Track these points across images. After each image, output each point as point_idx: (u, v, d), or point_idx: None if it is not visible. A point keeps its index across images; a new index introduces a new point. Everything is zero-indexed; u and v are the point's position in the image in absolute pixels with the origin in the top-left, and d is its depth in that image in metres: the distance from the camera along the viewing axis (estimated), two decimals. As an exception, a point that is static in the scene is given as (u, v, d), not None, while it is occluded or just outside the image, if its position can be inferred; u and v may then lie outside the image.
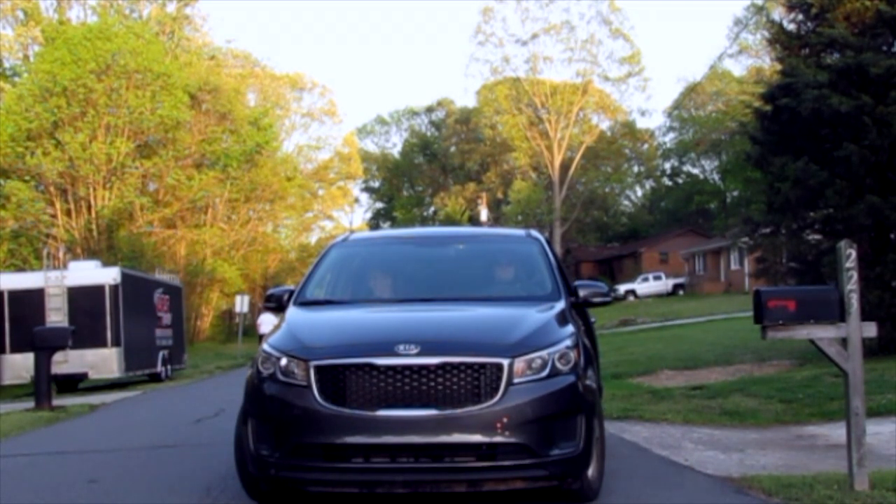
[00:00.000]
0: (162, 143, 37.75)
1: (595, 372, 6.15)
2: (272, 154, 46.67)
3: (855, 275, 5.79)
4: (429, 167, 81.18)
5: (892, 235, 15.55)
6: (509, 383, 5.23)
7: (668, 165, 73.24)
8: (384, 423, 5.18)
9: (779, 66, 17.91)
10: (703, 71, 66.95)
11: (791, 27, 17.40)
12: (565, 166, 63.18)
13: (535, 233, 7.52)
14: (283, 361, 5.49)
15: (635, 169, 72.74)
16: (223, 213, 45.47)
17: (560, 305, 6.17)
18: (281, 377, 5.47)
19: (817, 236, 16.32)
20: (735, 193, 60.03)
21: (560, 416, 5.34)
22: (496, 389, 5.21)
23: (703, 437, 8.88)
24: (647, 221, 72.06)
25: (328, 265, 7.11)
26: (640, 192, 76.92)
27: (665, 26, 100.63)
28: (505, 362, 5.26)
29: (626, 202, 76.63)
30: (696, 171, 71.62)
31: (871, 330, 5.92)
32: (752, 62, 57.41)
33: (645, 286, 55.17)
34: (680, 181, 72.04)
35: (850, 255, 5.80)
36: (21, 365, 19.47)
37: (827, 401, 10.46)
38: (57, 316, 20.14)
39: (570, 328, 5.81)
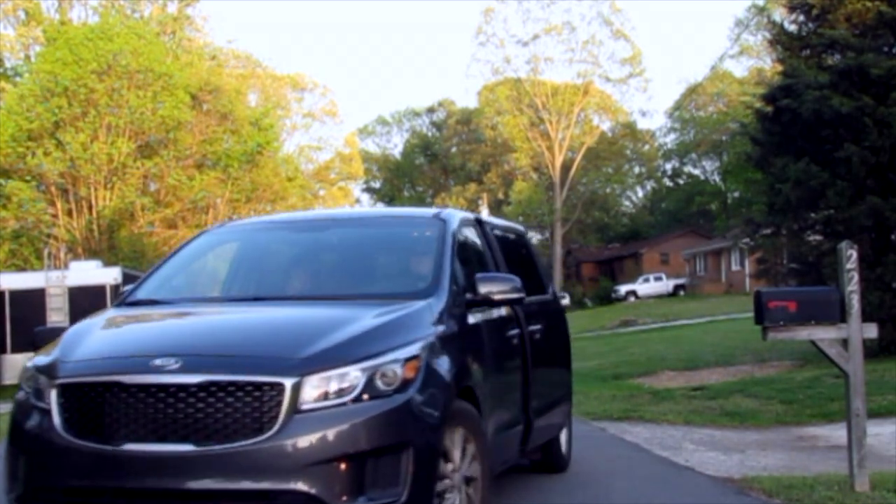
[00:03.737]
0: (163, 144, 37.76)
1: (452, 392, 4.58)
2: (273, 154, 46.62)
3: (856, 276, 5.80)
4: (430, 168, 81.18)
5: (893, 236, 15.56)
6: (294, 409, 4.03)
7: (668, 166, 73.19)
8: (130, 461, 4.06)
9: (780, 67, 17.94)
10: (704, 72, 66.65)
11: (792, 28, 17.42)
12: (566, 167, 63.16)
13: (446, 213, 5.92)
14: (40, 380, 4.46)
15: (636, 170, 72.67)
16: (224, 213, 45.31)
17: (420, 304, 4.80)
18: (34, 400, 4.43)
19: (818, 237, 16.33)
20: (736, 194, 60.00)
21: (372, 454, 4.09)
22: (275, 418, 4.01)
23: (704, 438, 8.88)
24: (647, 222, 72.03)
25: (188, 254, 5.92)
26: (640, 193, 76.90)
27: (666, 27, 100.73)
28: (287, 382, 4.05)
29: (627, 203, 76.60)
30: (696, 171, 71.55)
31: (871, 331, 5.93)
32: (753, 63, 57.41)
33: (646, 287, 55.15)
34: (681, 182, 71.97)
35: (850, 257, 5.80)
36: (22, 365, 19.47)
37: (827, 402, 10.48)
38: (58, 316, 20.17)
39: (414, 335, 4.49)
